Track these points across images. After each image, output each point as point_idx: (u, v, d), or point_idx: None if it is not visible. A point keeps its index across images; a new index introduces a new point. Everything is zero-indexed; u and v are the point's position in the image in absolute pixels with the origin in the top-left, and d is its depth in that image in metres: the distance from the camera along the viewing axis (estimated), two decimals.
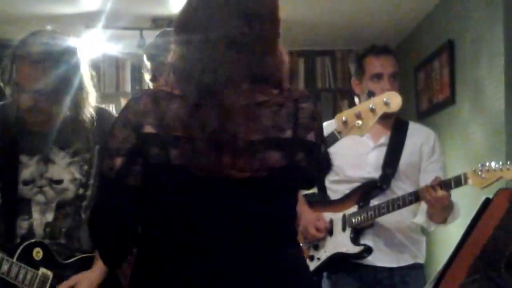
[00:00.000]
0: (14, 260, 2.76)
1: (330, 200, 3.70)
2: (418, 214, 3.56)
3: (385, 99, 2.91)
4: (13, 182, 2.83)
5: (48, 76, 2.72)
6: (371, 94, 3.39)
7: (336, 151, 3.31)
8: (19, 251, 2.79)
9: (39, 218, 2.84)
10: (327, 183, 3.73)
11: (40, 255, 2.81)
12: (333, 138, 2.91)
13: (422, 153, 3.62)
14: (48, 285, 2.84)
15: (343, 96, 6.87)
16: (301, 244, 3.61)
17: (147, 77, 3.33)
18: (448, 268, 2.52)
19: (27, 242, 2.80)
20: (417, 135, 3.66)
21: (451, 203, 3.36)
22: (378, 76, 3.56)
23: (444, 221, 3.48)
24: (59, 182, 2.88)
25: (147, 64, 3.29)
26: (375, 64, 3.60)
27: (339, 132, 2.90)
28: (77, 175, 2.90)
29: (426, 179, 3.48)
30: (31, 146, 2.87)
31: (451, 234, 4.15)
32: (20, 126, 2.86)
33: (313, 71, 6.99)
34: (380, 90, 3.45)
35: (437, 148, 3.66)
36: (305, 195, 3.63)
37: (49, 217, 2.87)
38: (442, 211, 3.39)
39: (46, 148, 2.88)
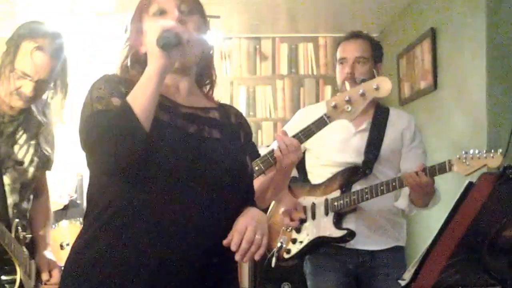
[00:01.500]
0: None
1: (312, 184, 3.73)
2: (400, 199, 3.61)
3: (375, 85, 2.94)
4: None
5: (54, 67, 2.79)
6: (348, 80, 3.43)
7: (317, 135, 3.35)
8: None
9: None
10: (308, 166, 3.78)
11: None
12: (322, 122, 2.94)
13: (404, 138, 3.65)
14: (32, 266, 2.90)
15: (326, 82, 6.89)
16: (283, 228, 3.66)
17: None
18: (431, 251, 2.54)
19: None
20: (398, 121, 3.70)
21: (432, 188, 3.40)
22: (342, 60, 3.62)
23: (425, 205, 3.52)
24: (21, 163, 2.93)
25: None
26: (342, 49, 3.67)
27: (329, 117, 2.93)
28: (35, 158, 2.96)
29: (407, 164, 3.54)
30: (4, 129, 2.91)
31: (431, 217, 4.20)
32: None
33: (296, 57, 7.00)
34: (342, 74, 3.57)
35: (418, 134, 3.70)
36: None
37: (15, 198, 2.91)
38: (424, 196, 3.43)
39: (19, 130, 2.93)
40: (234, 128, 2.31)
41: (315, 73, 6.98)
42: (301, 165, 3.80)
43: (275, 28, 6.70)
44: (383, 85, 2.96)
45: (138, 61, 2.19)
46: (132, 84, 2.01)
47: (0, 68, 2.85)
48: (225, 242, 2.03)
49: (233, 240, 2.03)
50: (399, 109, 4.11)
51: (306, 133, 2.94)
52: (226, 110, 2.35)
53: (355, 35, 3.70)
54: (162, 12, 2.14)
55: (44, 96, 2.95)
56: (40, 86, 2.84)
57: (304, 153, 3.72)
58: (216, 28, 5.96)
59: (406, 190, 3.50)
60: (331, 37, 6.81)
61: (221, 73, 6.88)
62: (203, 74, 2.31)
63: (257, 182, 2.99)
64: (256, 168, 2.88)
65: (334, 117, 2.93)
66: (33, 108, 3.03)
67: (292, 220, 3.60)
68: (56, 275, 3.04)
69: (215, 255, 2.06)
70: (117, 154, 1.90)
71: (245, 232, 2.05)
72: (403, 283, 2.69)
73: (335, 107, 2.91)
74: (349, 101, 2.90)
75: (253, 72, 6.98)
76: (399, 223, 3.71)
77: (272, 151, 2.83)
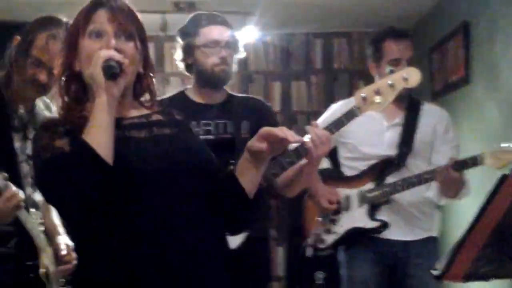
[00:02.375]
0: None
1: (345, 176, 3.78)
2: (430, 189, 3.64)
3: (404, 75, 2.96)
4: (12, 158, 2.95)
5: None
6: (391, 72, 3.40)
7: (350, 129, 3.40)
8: None
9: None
10: (342, 159, 3.82)
11: None
12: (352, 114, 2.97)
13: (436, 132, 3.69)
14: None
15: (359, 77, 6.89)
16: (318, 218, 3.71)
17: (177, 56, 3.40)
18: (463, 242, 2.55)
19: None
20: (431, 115, 3.73)
21: (463, 180, 3.43)
22: (397, 61, 3.58)
23: (455, 196, 3.55)
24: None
25: (179, 44, 3.37)
26: (394, 49, 3.62)
27: (358, 108, 2.95)
28: None
29: (439, 158, 3.57)
30: (19, 124, 2.99)
31: (464, 207, 4.20)
32: (11, 103, 2.97)
33: (330, 52, 7.04)
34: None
35: (450, 127, 3.73)
36: (320, 171, 3.67)
37: (29, 190, 2.97)
38: (455, 187, 3.47)
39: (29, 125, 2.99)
40: (182, 123, 2.30)
41: (348, 67, 7.01)
42: (334, 158, 3.85)
43: (308, 24, 6.73)
44: (412, 76, 2.98)
45: (74, 78, 2.13)
46: (70, 116, 2.06)
47: (14, 58, 2.91)
48: (262, 146, 2.06)
49: (281, 132, 2.06)
50: (431, 103, 4.12)
51: (337, 125, 2.98)
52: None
53: (403, 35, 3.70)
54: (98, 35, 2.07)
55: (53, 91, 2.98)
56: (53, 75, 2.88)
57: (337, 146, 3.79)
58: (251, 25, 6.02)
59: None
60: (365, 32, 6.83)
61: (257, 68, 6.95)
62: (138, 87, 2.23)
63: (285, 174, 3.07)
64: (288, 160, 2.96)
65: (364, 109, 2.95)
66: (40, 103, 3.09)
67: (331, 203, 3.63)
68: (74, 255, 3.05)
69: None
70: (85, 196, 1.89)
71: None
72: (435, 273, 2.69)
73: (364, 98, 2.93)
74: (378, 93, 2.92)
75: (287, 68, 7.03)
76: (432, 214, 3.75)
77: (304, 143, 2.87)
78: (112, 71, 1.98)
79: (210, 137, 3.20)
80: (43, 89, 2.92)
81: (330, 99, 6.76)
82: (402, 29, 3.78)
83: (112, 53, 2.01)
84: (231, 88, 3.46)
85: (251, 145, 2.10)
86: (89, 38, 2.08)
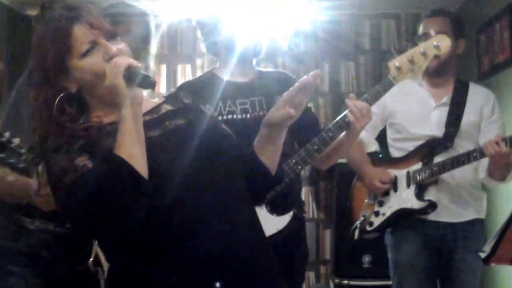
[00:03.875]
0: None
1: (393, 157, 3.80)
2: (479, 171, 3.64)
3: (435, 43, 3.05)
4: None
5: None
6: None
7: (398, 110, 3.44)
8: None
9: None
10: (389, 140, 3.85)
11: None
12: (389, 84, 3.03)
13: (483, 113, 3.69)
14: None
15: None
16: (366, 200, 3.76)
17: (201, 37, 3.41)
18: (510, 224, 2.58)
19: None
20: (478, 96, 3.73)
21: (511, 161, 3.42)
22: (426, 35, 3.61)
23: (503, 178, 3.55)
24: None
25: (203, 25, 3.39)
26: (425, 25, 3.70)
27: (394, 78, 3.02)
28: None
29: (486, 138, 3.54)
30: None
31: (511, 189, 4.20)
32: None
33: (378, 33, 7.03)
34: None
35: (496, 108, 3.73)
36: (368, 154, 3.74)
37: None
38: (503, 169, 3.47)
39: None
40: (192, 107, 2.22)
41: (397, 48, 6.99)
42: (382, 140, 3.88)
43: (356, 4, 6.71)
44: (443, 43, 3.07)
45: (70, 102, 2.02)
46: (72, 132, 1.95)
47: None
48: (290, 112, 2.02)
49: (298, 84, 2.06)
50: (478, 84, 4.12)
51: (374, 96, 3.01)
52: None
53: (436, 12, 3.74)
54: (91, 49, 1.98)
55: None
56: None
57: (386, 128, 3.83)
58: (300, 7, 6.04)
59: (484, 164, 3.53)
60: (413, 13, 6.80)
61: (306, 49, 6.93)
62: None
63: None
64: (330, 134, 2.98)
65: (399, 78, 3.02)
66: None
67: (383, 183, 3.66)
68: None
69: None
70: (131, 216, 1.82)
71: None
72: (483, 255, 2.72)
73: (399, 68, 3.01)
74: (411, 61, 3.01)
75: (336, 48, 7.03)
76: (479, 196, 3.75)
77: (343, 116, 2.91)
78: (150, 80, 1.95)
79: (248, 116, 3.23)
80: None
81: (378, 80, 6.77)
82: (439, 8, 3.82)
83: (129, 60, 1.96)
84: (283, 68, 3.45)
85: (275, 115, 2.06)
86: (85, 57, 1.98)
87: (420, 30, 3.72)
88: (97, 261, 2.86)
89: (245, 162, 2.13)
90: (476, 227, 3.68)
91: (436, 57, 3.26)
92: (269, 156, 2.15)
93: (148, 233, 1.88)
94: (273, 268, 2.12)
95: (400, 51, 3.25)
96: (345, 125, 2.93)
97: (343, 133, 2.98)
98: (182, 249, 1.92)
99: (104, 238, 2.00)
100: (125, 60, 1.95)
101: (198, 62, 6.90)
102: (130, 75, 1.93)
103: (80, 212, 1.86)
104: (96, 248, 2.83)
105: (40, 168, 2.51)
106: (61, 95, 1.99)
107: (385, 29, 7.03)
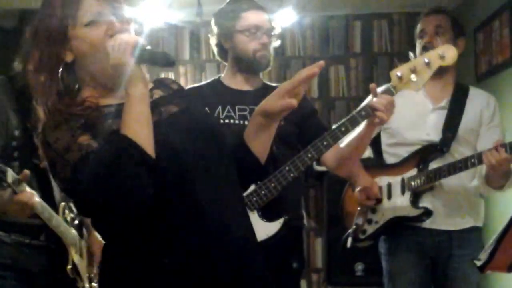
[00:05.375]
0: None
1: (387, 163, 3.72)
2: (475, 179, 3.55)
3: (440, 52, 2.93)
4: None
5: None
6: (426, 49, 3.40)
7: (395, 113, 3.33)
8: None
9: None
10: (383, 146, 3.76)
11: None
12: (388, 93, 2.94)
13: (482, 118, 3.61)
14: None
15: (400, 60, 6.78)
16: (359, 208, 3.66)
17: (212, 41, 3.43)
18: (507, 232, 2.53)
19: None
20: (478, 100, 3.65)
21: (510, 169, 3.32)
22: (422, 33, 3.60)
23: (501, 187, 3.47)
24: None
25: (214, 28, 3.39)
26: (423, 23, 3.65)
27: (394, 87, 2.93)
28: None
29: (484, 144, 3.48)
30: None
31: (509, 197, 4.13)
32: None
33: (369, 35, 6.93)
34: (421, 46, 3.56)
35: (497, 114, 3.65)
36: (361, 160, 3.62)
37: None
38: (501, 176, 3.37)
39: None
40: (181, 93, 2.23)
41: (389, 50, 6.90)
42: (376, 146, 3.80)
43: (347, 5, 6.64)
44: (449, 53, 2.94)
45: (68, 70, 2.04)
46: (71, 108, 1.95)
47: None
48: (291, 102, 1.98)
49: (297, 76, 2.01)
50: (476, 85, 4.04)
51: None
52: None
53: (434, 11, 3.69)
54: (95, 20, 1.99)
55: None
56: None
57: (380, 133, 3.75)
58: (289, 7, 5.93)
59: (482, 171, 3.45)
60: (406, 13, 6.72)
61: (294, 53, 6.86)
62: None
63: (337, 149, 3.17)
64: (343, 129, 2.96)
65: (399, 88, 2.94)
66: None
67: (368, 198, 3.57)
68: None
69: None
70: (138, 196, 1.81)
71: None
72: (479, 263, 2.70)
73: (400, 77, 2.91)
74: (414, 71, 2.90)
75: (326, 51, 6.92)
76: (476, 203, 3.67)
77: (360, 110, 2.91)
78: (169, 58, 1.92)
79: (246, 122, 3.15)
80: None
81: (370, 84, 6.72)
82: (439, 7, 3.76)
83: (137, 38, 1.94)
84: (268, 74, 3.45)
85: (273, 105, 2.02)
86: (87, 27, 1.99)
87: (418, 27, 3.66)
88: (75, 269, 3.05)
89: (235, 151, 2.14)
90: (472, 235, 3.61)
91: None
92: (260, 145, 2.15)
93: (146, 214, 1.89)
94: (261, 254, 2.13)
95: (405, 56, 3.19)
96: (366, 114, 2.93)
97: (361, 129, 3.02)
98: (175, 231, 1.93)
99: (109, 217, 1.93)
100: (132, 38, 1.94)
101: (181, 69, 6.84)
102: (143, 54, 1.89)
103: (86, 191, 1.83)
104: (73, 257, 3.02)
105: (9, 177, 2.57)
106: (60, 61, 2.01)
107: (376, 30, 6.93)
